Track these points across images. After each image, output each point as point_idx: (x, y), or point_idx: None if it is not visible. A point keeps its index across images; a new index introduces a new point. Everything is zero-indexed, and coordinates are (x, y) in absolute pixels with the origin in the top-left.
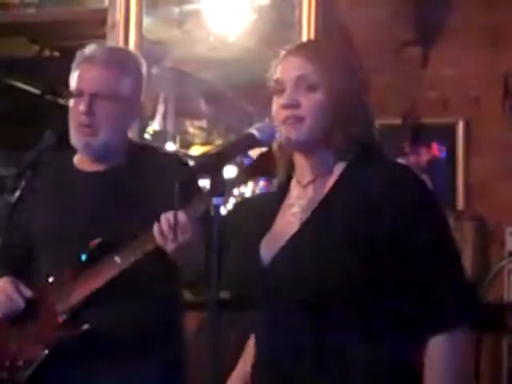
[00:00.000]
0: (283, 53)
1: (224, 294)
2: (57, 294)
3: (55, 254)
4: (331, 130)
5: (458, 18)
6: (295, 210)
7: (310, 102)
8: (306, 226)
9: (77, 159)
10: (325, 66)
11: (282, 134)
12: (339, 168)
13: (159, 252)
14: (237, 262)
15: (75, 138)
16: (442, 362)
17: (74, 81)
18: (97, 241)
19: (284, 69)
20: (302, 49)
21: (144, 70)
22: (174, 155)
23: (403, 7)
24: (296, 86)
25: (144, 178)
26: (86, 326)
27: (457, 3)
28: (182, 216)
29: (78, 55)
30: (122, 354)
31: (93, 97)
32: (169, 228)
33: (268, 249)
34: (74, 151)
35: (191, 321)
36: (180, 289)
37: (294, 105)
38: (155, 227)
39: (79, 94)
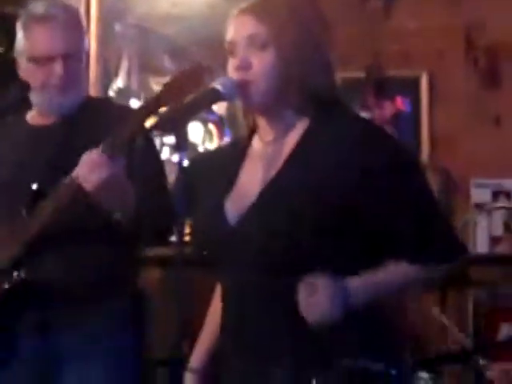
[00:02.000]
0: (236, 11)
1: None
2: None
3: (9, 212)
4: (286, 87)
5: None
6: (259, 167)
7: (260, 62)
8: (272, 184)
9: (30, 115)
10: (275, 23)
11: (238, 95)
12: (302, 124)
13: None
14: (201, 222)
15: (42, 96)
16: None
17: (31, 43)
18: (33, 187)
19: (235, 29)
20: (253, 7)
21: None
22: (126, 107)
23: None
24: (247, 47)
25: (94, 129)
26: (15, 274)
27: None
28: (94, 155)
29: (26, 13)
30: (69, 303)
31: (64, 58)
32: (85, 168)
33: (234, 208)
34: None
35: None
36: (130, 241)
37: (245, 66)
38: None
39: (48, 58)
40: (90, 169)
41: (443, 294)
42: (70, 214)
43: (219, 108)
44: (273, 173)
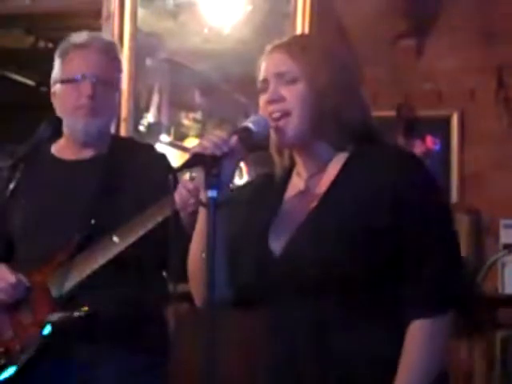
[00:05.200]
0: (268, 49)
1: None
2: (51, 278)
3: (42, 242)
4: (320, 121)
5: (452, 10)
6: (300, 201)
7: (292, 94)
8: (313, 216)
9: (55, 148)
10: (307, 59)
11: (272, 131)
12: (341, 158)
13: (154, 235)
14: (247, 258)
15: (73, 119)
16: (420, 348)
17: (67, 67)
18: (92, 222)
19: (266, 66)
20: (285, 44)
21: None
22: (151, 146)
23: None
24: (277, 81)
25: (128, 167)
26: (84, 309)
27: None
28: (196, 181)
29: (66, 43)
30: (118, 337)
31: (96, 80)
32: (187, 192)
33: (277, 240)
34: (50, 142)
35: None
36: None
37: (276, 99)
38: (176, 193)
39: (80, 78)
40: (193, 194)
41: (471, 334)
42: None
43: None
44: (314, 204)
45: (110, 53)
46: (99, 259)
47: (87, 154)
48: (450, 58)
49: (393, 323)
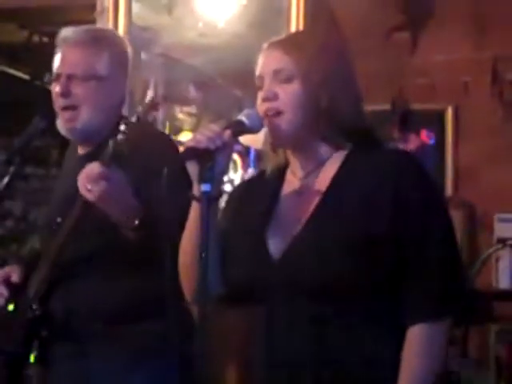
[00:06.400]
0: (265, 46)
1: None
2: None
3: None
4: (316, 119)
5: (446, 3)
6: (297, 202)
7: (286, 93)
8: (313, 221)
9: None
10: (302, 57)
11: (267, 129)
12: (339, 157)
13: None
14: (243, 256)
15: (59, 124)
16: (419, 353)
17: (54, 66)
18: (58, 220)
19: (263, 63)
20: (281, 42)
21: (124, 46)
22: (163, 135)
23: None
24: (273, 79)
25: (127, 157)
26: (36, 311)
27: None
28: (94, 167)
29: (57, 39)
30: (101, 334)
31: (69, 78)
32: (85, 179)
33: (275, 243)
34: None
35: None
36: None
37: (271, 97)
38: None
39: (57, 77)
40: (90, 180)
41: (466, 328)
42: (91, 238)
43: (256, 142)
44: (313, 206)
45: (93, 45)
46: (49, 257)
47: (89, 148)
48: (443, 51)
49: (391, 327)
